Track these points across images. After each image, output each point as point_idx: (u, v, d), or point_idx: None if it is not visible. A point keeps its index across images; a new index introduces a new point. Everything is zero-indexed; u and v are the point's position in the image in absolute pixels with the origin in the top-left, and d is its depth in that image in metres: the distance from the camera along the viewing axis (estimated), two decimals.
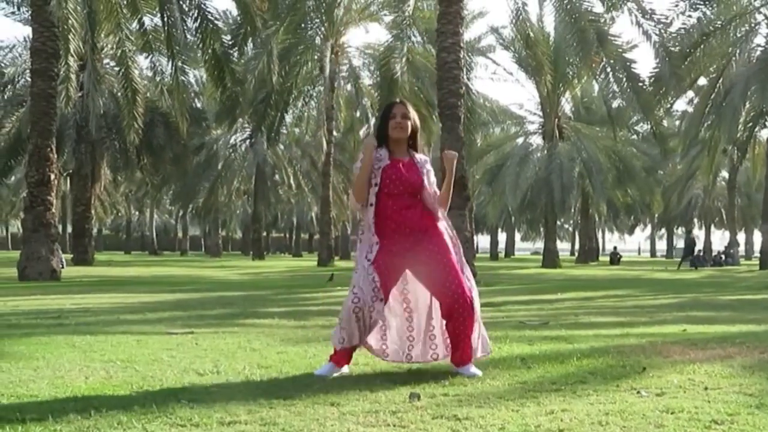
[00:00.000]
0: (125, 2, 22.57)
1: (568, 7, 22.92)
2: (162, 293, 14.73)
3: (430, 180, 5.47)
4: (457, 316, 5.27)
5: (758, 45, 31.57)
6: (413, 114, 5.49)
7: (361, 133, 39.62)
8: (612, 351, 6.27)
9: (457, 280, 5.27)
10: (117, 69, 29.27)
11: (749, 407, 4.13)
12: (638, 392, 4.56)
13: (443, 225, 5.47)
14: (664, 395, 4.48)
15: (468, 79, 27.39)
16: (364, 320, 5.20)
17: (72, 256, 33.66)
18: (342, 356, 5.32)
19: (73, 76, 24.13)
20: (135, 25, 23.48)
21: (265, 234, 67.18)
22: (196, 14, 21.57)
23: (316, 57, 35.04)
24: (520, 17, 24.32)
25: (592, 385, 4.76)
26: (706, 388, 4.66)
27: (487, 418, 3.91)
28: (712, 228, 71.59)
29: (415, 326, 5.56)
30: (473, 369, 5.27)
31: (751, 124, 36.74)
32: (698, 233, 77.01)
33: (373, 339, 5.48)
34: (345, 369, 5.34)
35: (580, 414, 4.00)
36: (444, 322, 5.39)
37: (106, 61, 35.74)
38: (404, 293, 5.54)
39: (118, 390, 4.68)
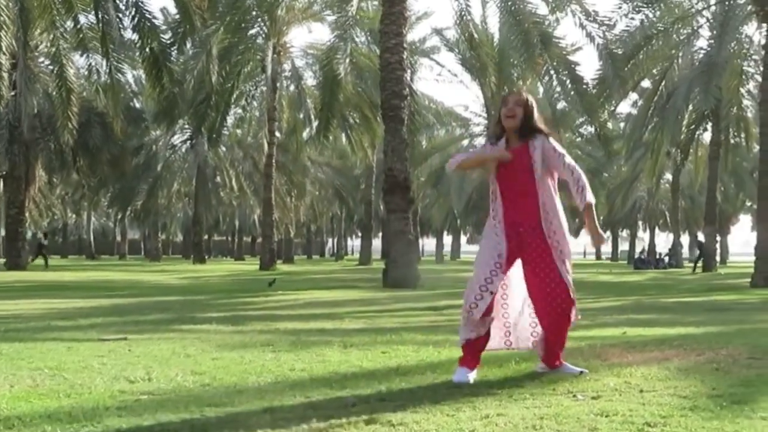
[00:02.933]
0: None
1: (512, 8, 23.15)
2: (97, 298, 14.55)
3: (547, 160, 5.33)
4: (557, 327, 5.35)
5: (700, 48, 32.18)
6: (530, 99, 5.45)
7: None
8: None
9: (563, 292, 5.30)
10: (51, 68, 28.81)
11: (683, 409, 4.20)
12: (574, 396, 4.61)
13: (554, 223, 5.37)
14: (599, 398, 4.53)
15: (412, 80, 27.54)
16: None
17: (4, 260, 33.07)
18: (473, 359, 5.28)
19: (5, 75, 23.70)
20: (70, 23, 23.14)
21: (206, 237, 66.62)
22: (133, 12, 21.35)
23: (258, 57, 34.89)
24: (464, 18, 24.50)
25: (529, 389, 4.80)
26: (641, 391, 4.73)
27: (422, 424, 3.92)
28: (656, 230, 72.64)
29: (510, 312, 5.59)
30: (572, 367, 5.43)
31: (693, 126, 37.51)
32: (643, 235, 78.34)
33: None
34: (474, 373, 5.25)
35: (515, 418, 4.03)
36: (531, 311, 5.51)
37: (41, 59, 35.17)
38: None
39: (44, 399, 4.60)
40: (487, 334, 5.36)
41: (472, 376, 5.17)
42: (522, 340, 5.65)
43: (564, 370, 5.39)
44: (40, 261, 37.90)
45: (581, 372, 5.32)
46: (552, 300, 5.28)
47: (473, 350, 5.30)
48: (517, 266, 5.45)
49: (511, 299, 5.59)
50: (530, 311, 5.54)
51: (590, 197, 5.33)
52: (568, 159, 5.39)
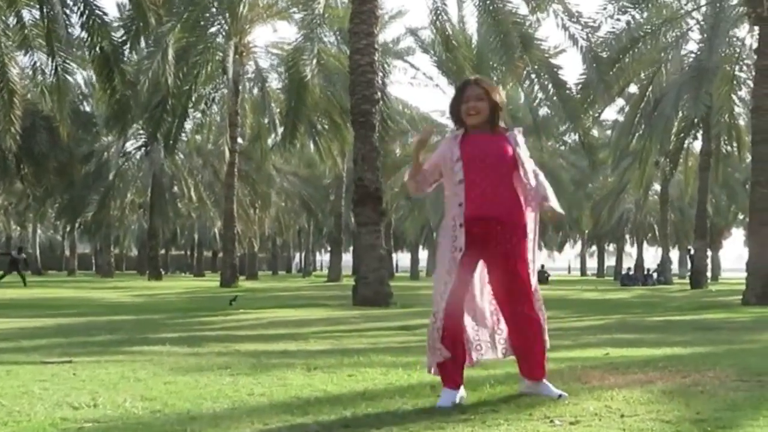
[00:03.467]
0: None
1: (491, 7, 23.23)
2: (42, 318, 14.42)
3: (524, 157, 5.33)
4: (524, 333, 5.35)
5: (690, 51, 32.46)
6: (493, 90, 5.41)
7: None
8: None
9: (528, 300, 5.30)
10: None
11: None
12: (551, 421, 4.62)
13: (531, 218, 5.38)
14: (578, 423, 4.55)
15: (384, 83, 27.54)
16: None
17: None
18: (453, 377, 5.28)
19: None
20: (12, 18, 22.96)
21: (163, 251, 66.36)
22: (82, 8, 21.20)
23: (218, 57, 34.76)
24: (440, 18, 24.57)
25: (504, 414, 4.81)
26: (622, 416, 4.75)
27: None
28: (645, 245, 73.02)
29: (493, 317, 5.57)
30: (553, 389, 5.36)
31: (683, 134, 37.81)
32: (630, 250, 78.81)
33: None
34: (462, 392, 5.28)
35: None
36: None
37: None
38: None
39: None
40: (463, 353, 5.36)
41: (460, 395, 5.22)
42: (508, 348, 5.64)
43: (542, 391, 5.38)
44: (11, 278, 37.46)
45: (560, 395, 5.33)
46: (517, 307, 5.32)
47: (454, 367, 5.30)
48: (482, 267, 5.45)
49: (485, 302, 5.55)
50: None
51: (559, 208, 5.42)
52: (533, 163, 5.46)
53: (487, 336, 5.57)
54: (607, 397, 5.39)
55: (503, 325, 5.55)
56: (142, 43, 25.10)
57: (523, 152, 5.34)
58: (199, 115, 40.62)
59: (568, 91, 24.44)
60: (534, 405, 5.09)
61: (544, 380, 5.47)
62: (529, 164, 5.35)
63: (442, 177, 5.48)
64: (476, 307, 5.50)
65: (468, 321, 5.44)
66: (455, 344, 5.28)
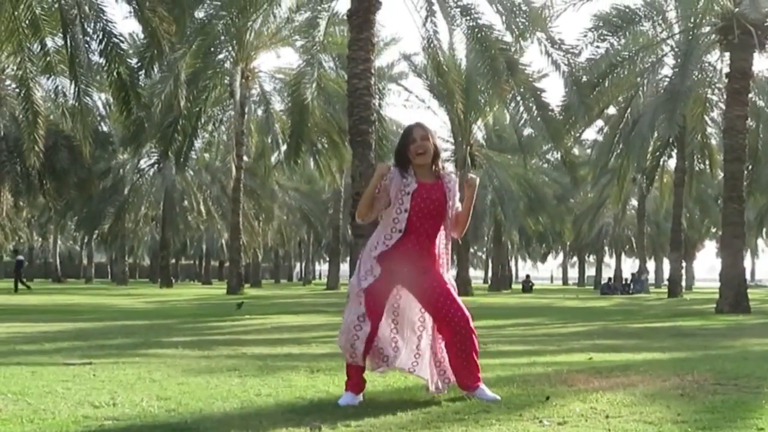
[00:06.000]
0: (27, 23, 22.05)
1: (479, 35, 23.23)
2: (62, 322, 14.38)
3: (455, 199, 5.45)
4: (460, 337, 5.33)
5: (665, 76, 32.48)
6: (433, 135, 5.47)
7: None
8: (517, 380, 6.33)
9: (454, 302, 5.33)
10: (18, 90, 28.53)
11: None
12: (540, 421, 4.61)
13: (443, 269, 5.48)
14: (565, 424, 4.54)
15: (380, 105, 27.56)
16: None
17: None
18: (356, 382, 5.37)
19: None
20: (37, 46, 22.95)
21: (173, 261, 66.16)
22: (101, 36, 21.19)
23: (225, 81, 34.83)
24: (432, 44, 24.56)
25: (495, 415, 4.80)
26: (607, 417, 4.73)
27: None
28: (623, 256, 73.00)
29: (400, 336, 5.54)
30: (489, 392, 5.35)
31: (658, 153, 37.92)
32: (609, 261, 78.78)
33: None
34: (360, 397, 5.36)
35: None
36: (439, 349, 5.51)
37: (7, 82, 34.89)
38: (394, 307, 5.48)
39: (7, 424, 4.54)
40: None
41: (359, 399, 5.31)
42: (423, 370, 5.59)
43: (480, 395, 5.33)
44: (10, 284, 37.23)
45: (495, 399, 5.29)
46: (451, 318, 5.33)
47: (360, 373, 5.40)
48: (406, 296, 5.48)
49: (402, 325, 5.54)
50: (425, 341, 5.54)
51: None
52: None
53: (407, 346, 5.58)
54: (592, 399, 5.38)
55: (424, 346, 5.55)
56: (156, 69, 25.06)
57: (454, 196, 5.43)
58: (207, 134, 40.70)
59: (550, 113, 24.39)
60: (524, 406, 5.08)
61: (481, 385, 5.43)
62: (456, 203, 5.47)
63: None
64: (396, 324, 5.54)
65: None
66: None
